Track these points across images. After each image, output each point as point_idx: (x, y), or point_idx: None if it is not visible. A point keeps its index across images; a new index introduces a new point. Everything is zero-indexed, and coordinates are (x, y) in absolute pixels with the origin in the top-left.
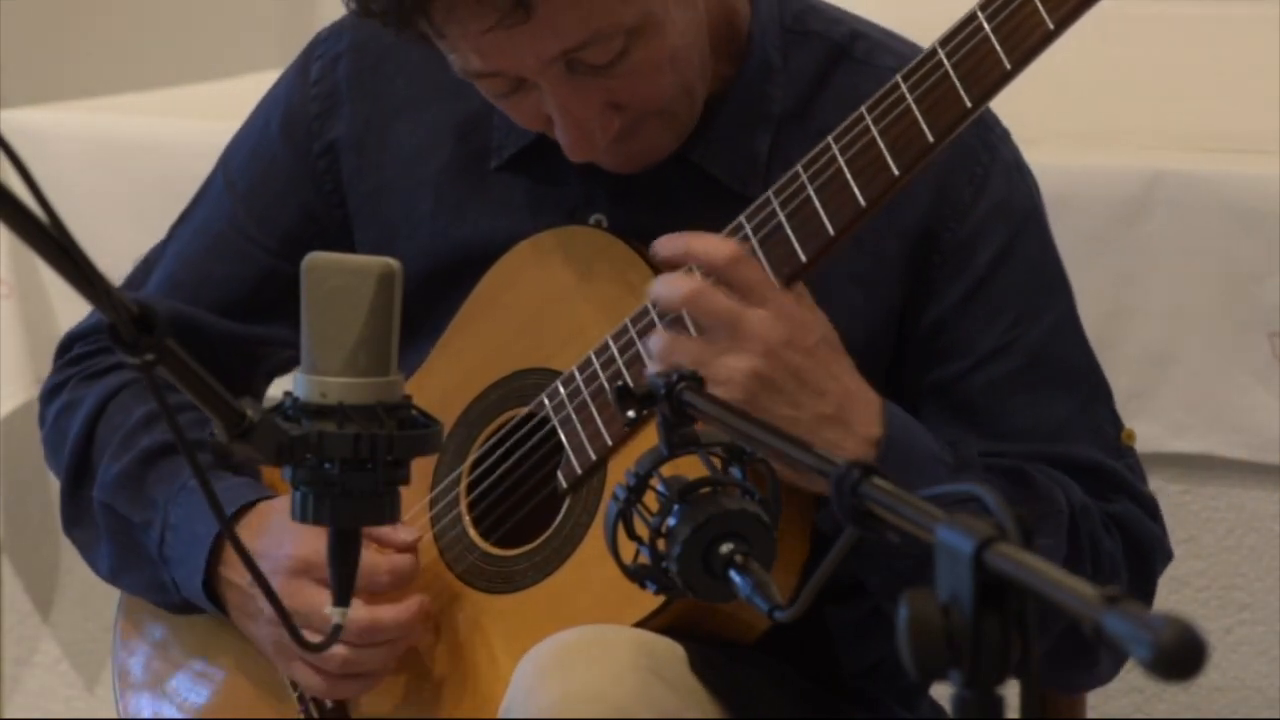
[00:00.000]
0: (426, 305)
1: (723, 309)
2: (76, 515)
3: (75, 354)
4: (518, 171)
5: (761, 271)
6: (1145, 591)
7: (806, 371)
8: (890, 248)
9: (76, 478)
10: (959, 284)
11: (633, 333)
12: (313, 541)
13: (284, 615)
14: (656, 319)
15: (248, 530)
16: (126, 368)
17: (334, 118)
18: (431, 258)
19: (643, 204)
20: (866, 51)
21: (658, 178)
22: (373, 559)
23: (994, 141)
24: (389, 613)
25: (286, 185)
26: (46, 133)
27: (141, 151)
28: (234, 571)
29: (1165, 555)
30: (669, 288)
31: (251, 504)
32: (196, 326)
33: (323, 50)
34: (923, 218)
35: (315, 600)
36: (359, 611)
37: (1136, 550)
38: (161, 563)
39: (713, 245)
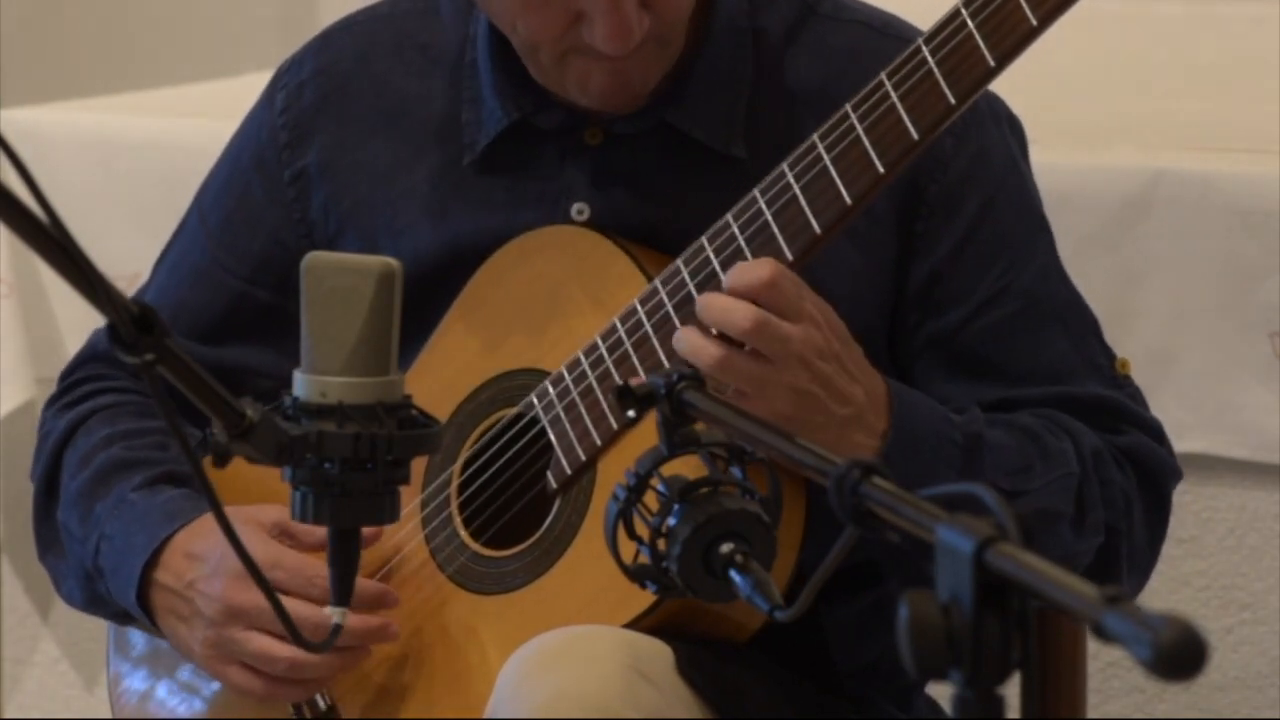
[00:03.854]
0: (417, 307)
1: (780, 335)
2: (48, 540)
3: (54, 392)
4: (495, 170)
5: (795, 286)
6: (1160, 515)
7: (833, 379)
8: (879, 203)
9: (45, 503)
10: (949, 235)
11: (620, 332)
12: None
13: (279, 608)
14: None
15: (190, 534)
16: (101, 394)
17: (304, 145)
18: (419, 261)
19: (623, 187)
20: (834, 8)
21: (635, 156)
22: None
23: None
24: (353, 620)
25: (258, 213)
26: (46, 133)
27: (141, 151)
28: (169, 574)
29: (1176, 475)
30: (727, 317)
31: (188, 521)
32: None
33: (286, 80)
34: (906, 171)
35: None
36: (316, 615)
37: (1148, 478)
38: (96, 574)
39: (751, 272)
